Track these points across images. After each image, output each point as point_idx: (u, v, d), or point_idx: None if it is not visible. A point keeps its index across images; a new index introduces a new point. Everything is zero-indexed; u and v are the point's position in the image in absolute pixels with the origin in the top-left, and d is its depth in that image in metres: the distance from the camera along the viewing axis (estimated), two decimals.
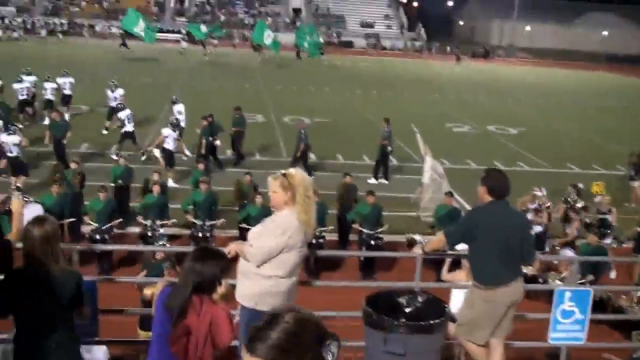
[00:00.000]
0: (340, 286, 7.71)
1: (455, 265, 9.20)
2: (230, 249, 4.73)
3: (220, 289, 3.78)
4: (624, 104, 40.03)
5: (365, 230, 12.49)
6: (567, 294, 5.17)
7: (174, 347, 3.69)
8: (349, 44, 74.15)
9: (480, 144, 25.42)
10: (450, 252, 5.87)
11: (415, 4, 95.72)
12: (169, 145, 17.28)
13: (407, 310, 4.74)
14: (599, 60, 75.26)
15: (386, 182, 18.52)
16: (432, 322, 4.42)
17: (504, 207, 4.98)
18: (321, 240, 11.93)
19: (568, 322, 5.21)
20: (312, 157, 19.14)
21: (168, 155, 17.26)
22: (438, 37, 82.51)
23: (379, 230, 12.59)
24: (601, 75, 61.36)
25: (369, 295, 4.71)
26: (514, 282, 4.89)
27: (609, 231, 13.50)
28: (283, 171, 4.79)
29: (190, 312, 3.68)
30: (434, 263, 10.66)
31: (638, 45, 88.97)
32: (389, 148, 18.90)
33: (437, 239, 5.17)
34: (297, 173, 4.75)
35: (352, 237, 13.56)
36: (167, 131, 17.39)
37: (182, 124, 19.37)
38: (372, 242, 12.12)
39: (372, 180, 18.23)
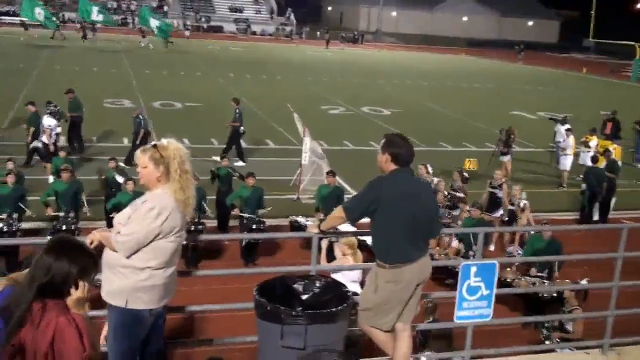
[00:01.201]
0: (225, 275, 7.02)
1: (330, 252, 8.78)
2: (93, 237, 3.91)
3: (75, 293, 2.90)
4: (486, 85, 41.76)
5: (245, 215, 11.83)
6: (473, 269, 4.81)
7: None
8: (218, 29, 72.67)
9: (356, 125, 25.42)
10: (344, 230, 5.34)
11: None
12: (53, 138, 15.92)
13: (304, 297, 4.19)
14: (460, 45, 78.51)
15: (243, 163, 17.82)
16: (333, 309, 3.89)
17: (409, 176, 4.51)
18: (200, 227, 11.14)
19: (474, 298, 4.88)
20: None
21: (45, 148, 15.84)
22: (307, 23, 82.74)
23: (260, 213, 11.97)
24: (463, 59, 63.90)
25: (261, 283, 4.10)
26: (421, 259, 4.44)
27: (498, 206, 13.72)
28: (154, 142, 4.04)
29: (26, 322, 2.79)
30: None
31: (494, 30, 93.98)
32: (242, 129, 18.37)
33: (335, 215, 4.58)
34: (170, 144, 4.00)
35: (232, 222, 12.91)
36: (49, 121, 15.97)
37: None
38: (254, 226, 11.48)
39: (240, 163, 17.48)
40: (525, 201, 13.23)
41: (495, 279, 4.90)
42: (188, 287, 6.31)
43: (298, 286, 4.23)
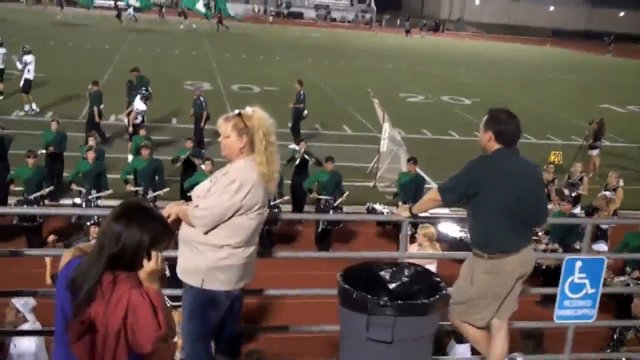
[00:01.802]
0: (303, 260, 6.73)
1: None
2: (170, 211, 3.66)
3: (148, 265, 2.62)
4: (574, 77, 40.06)
5: (324, 197, 11.54)
6: (578, 264, 4.34)
7: (74, 347, 2.54)
8: (298, 15, 72.72)
9: (435, 113, 24.81)
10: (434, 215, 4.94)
11: None
12: (138, 119, 15.98)
13: (392, 286, 3.85)
14: (546, 35, 75.83)
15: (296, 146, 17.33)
16: (425, 300, 3.53)
17: (515, 157, 3.98)
18: (276, 210, 10.94)
19: (577, 297, 4.42)
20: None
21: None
22: (388, 10, 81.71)
23: (339, 199, 11.67)
24: (549, 50, 61.68)
25: (345, 269, 3.79)
26: (525, 249, 3.93)
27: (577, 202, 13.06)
28: (237, 110, 3.76)
29: (97, 297, 2.52)
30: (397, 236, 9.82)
31: (583, 21, 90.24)
32: (305, 112, 18.18)
33: (430, 197, 4.14)
34: (255, 112, 3.69)
35: (307, 209, 12.67)
36: (140, 105, 16.01)
37: (30, 75, 19.06)
38: (332, 212, 11.20)
39: (293, 145, 16.79)
40: (613, 193, 12.52)
41: (603, 276, 4.42)
42: (263, 272, 6.10)
43: (385, 274, 3.89)
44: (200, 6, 44.89)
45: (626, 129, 23.16)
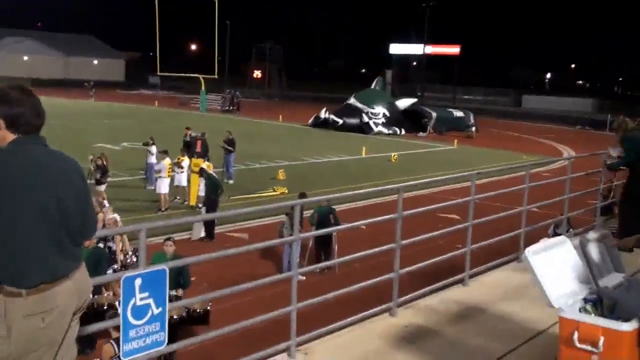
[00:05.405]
0: None
1: None
2: None
3: None
4: (62, 122, 39.37)
5: None
6: (138, 282, 3.49)
7: None
8: None
9: None
10: None
11: None
12: None
13: None
14: (25, 83, 73.62)
15: None
16: None
17: (43, 147, 2.93)
18: None
19: (143, 322, 3.55)
20: None
21: None
22: None
23: None
24: None
25: None
26: (78, 272, 2.91)
27: None
28: None
29: None
30: None
31: (60, 70, 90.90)
32: None
33: None
34: None
35: None
36: None
37: None
38: None
39: None
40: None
41: (167, 290, 3.68)
42: None
43: None
44: None
45: (124, 163, 23.69)
